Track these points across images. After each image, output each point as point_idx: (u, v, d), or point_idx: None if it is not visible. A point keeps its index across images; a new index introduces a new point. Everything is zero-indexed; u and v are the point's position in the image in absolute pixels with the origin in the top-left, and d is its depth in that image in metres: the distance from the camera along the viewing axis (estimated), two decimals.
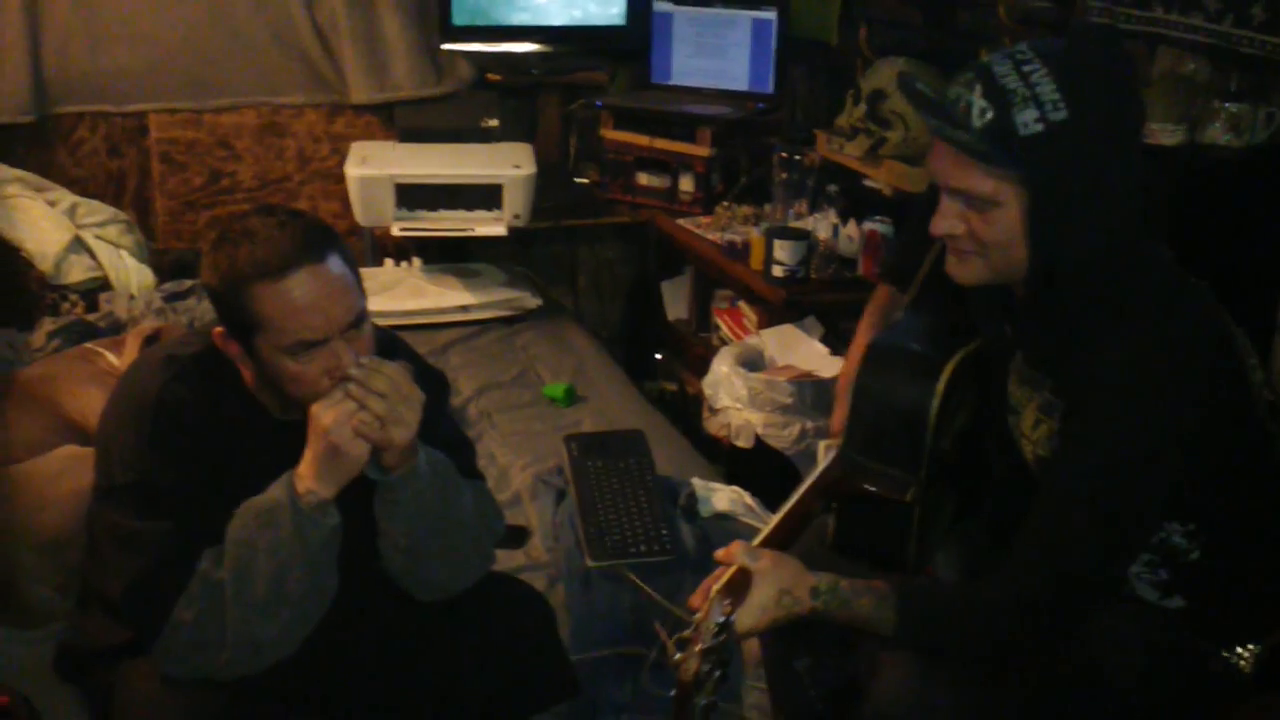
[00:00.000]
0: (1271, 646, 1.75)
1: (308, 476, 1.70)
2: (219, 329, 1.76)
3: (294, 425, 1.73)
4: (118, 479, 1.75)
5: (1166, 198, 1.68)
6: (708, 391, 3.26)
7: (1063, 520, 1.61)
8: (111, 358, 2.79)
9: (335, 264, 1.72)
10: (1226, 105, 2.55)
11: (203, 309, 3.40)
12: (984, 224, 1.62)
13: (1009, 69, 1.57)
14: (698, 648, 1.52)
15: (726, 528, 2.62)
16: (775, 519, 1.81)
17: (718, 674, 1.52)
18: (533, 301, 3.84)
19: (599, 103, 4.17)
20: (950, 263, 1.71)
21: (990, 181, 1.59)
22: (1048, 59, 1.56)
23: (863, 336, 2.10)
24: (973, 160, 1.59)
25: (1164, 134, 2.58)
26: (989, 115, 1.56)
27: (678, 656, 1.53)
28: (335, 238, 1.76)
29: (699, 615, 1.57)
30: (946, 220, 1.66)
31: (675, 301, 4.22)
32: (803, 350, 3.31)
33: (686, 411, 3.81)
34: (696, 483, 2.76)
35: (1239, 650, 1.74)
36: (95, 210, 3.62)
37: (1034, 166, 1.56)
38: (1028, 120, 1.55)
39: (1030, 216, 1.59)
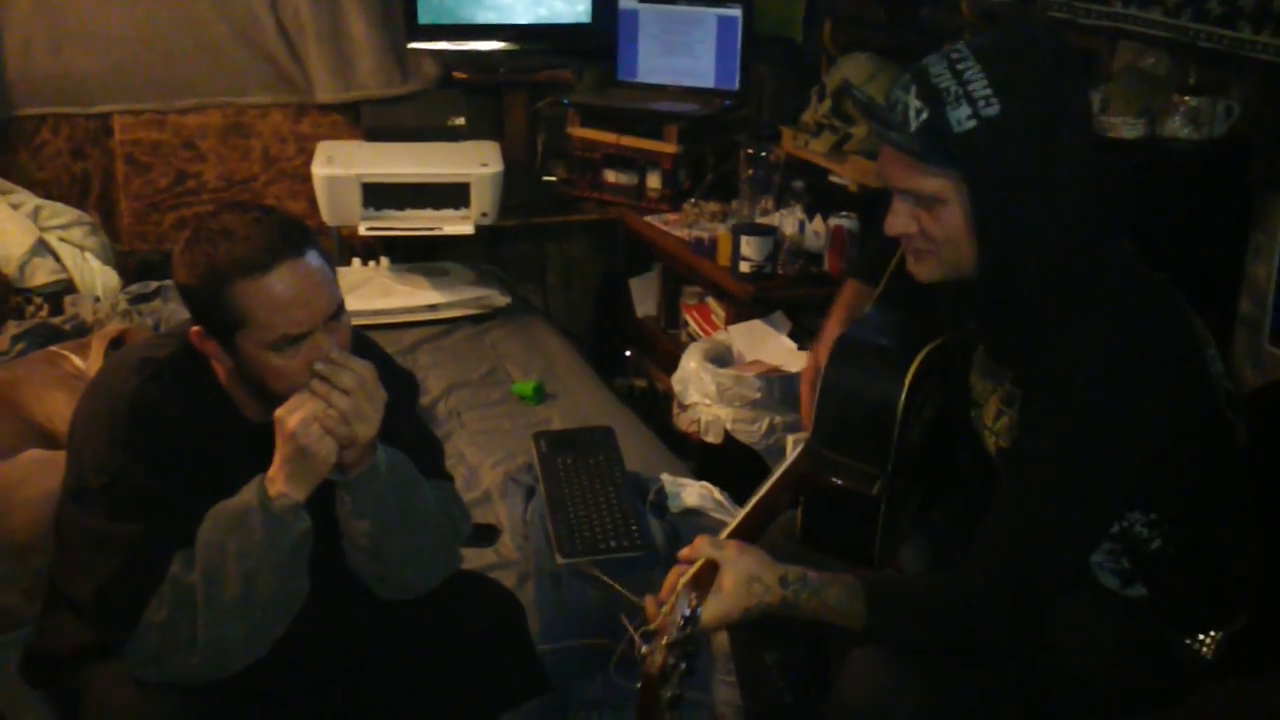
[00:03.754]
0: (1233, 633, 1.78)
1: (279, 480, 1.70)
2: (196, 328, 1.75)
3: (267, 427, 1.72)
4: (90, 481, 1.73)
5: (1125, 190, 1.69)
6: (677, 388, 3.27)
7: (1024, 510, 1.63)
8: (77, 361, 2.77)
9: (313, 257, 1.72)
10: (1186, 98, 2.58)
11: (169, 311, 3.38)
12: (933, 222, 1.64)
13: (943, 68, 1.59)
14: (664, 641, 1.52)
15: (696, 523, 2.63)
16: (742, 512, 1.81)
17: (683, 667, 1.52)
18: (501, 299, 3.84)
19: (566, 100, 4.18)
20: (909, 261, 1.73)
21: (933, 180, 1.61)
22: (981, 55, 1.58)
23: (830, 331, 2.12)
24: (914, 161, 1.61)
25: (1124, 127, 2.61)
26: (924, 116, 1.58)
27: (644, 650, 1.53)
28: (310, 232, 1.76)
29: (665, 608, 1.57)
30: (899, 220, 1.68)
31: (644, 298, 4.23)
32: (770, 345, 3.32)
33: (656, 408, 3.82)
34: (666, 478, 2.76)
35: (1201, 637, 1.76)
36: (59, 212, 3.60)
37: (971, 163, 1.58)
38: (960, 118, 1.56)
39: (974, 212, 1.60)
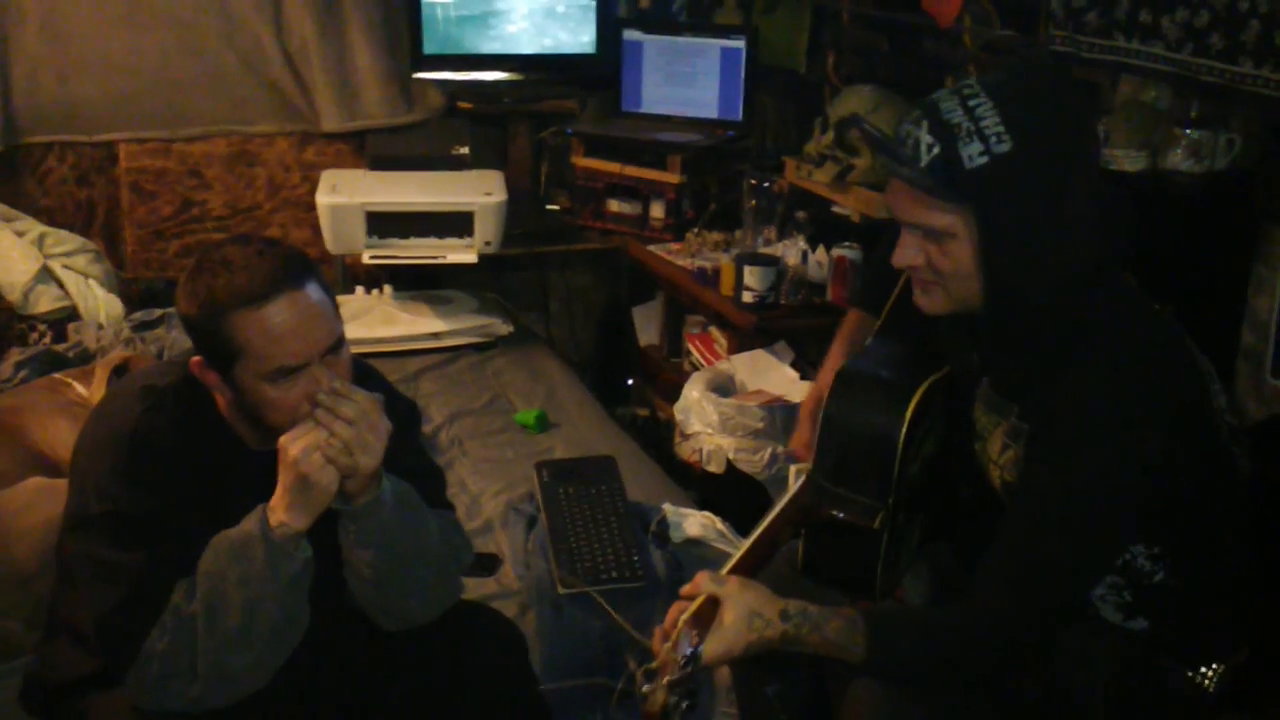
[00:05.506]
0: (1235, 666, 1.77)
1: (280, 509, 1.70)
2: (196, 358, 1.76)
3: (270, 456, 1.72)
4: (93, 509, 1.74)
5: (1129, 224, 1.70)
6: (679, 417, 3.28)
7: (1029, 546, 1.62)
8: (80, 388, 2.78)
9: (313, 290, 1.73)
10: (1187, 132, 2.58)
11: (172, 338, 3.39)
12: (941, 255, 1.64)
13: (955, 104, 1.60)
14: (665, 679, 1.52)
15: (698, 553, 2.63)
16: (744, 546, 1.81)
17: (685, 705, 1.52)
18: (504, 328, 3.85)
19: (570, 130, 4.20)
20: (916, 293, 1.74)
21: (942, 215, 1.61)
22: (993, 92, 1.59)
23: (833, 361, 2.12)
24: (924, 195, 1.61)
25: (1126, 160, 2.61)
26: (935, 151, 1.59)
27: (645, 688, 1.53)
28: (312, 265, 1.77)
29: (666, 646, 1.57)
30: (907, 252, 1.68)
31: (646, 327, 4.23)
32: (773, 375, 3.33)
33: (658, 437, 3.82)
34: (668, 508, 2.76)
35: (1204, 670, 1.76)
36: (64, 240, 3.61)
37: (981, 199, 1.58)
38: (972, 154, 1.57)
39: (983, 247, 1.61)
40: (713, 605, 1.61)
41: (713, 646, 1.59)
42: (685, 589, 1.66)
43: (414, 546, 1.82)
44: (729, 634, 1.60)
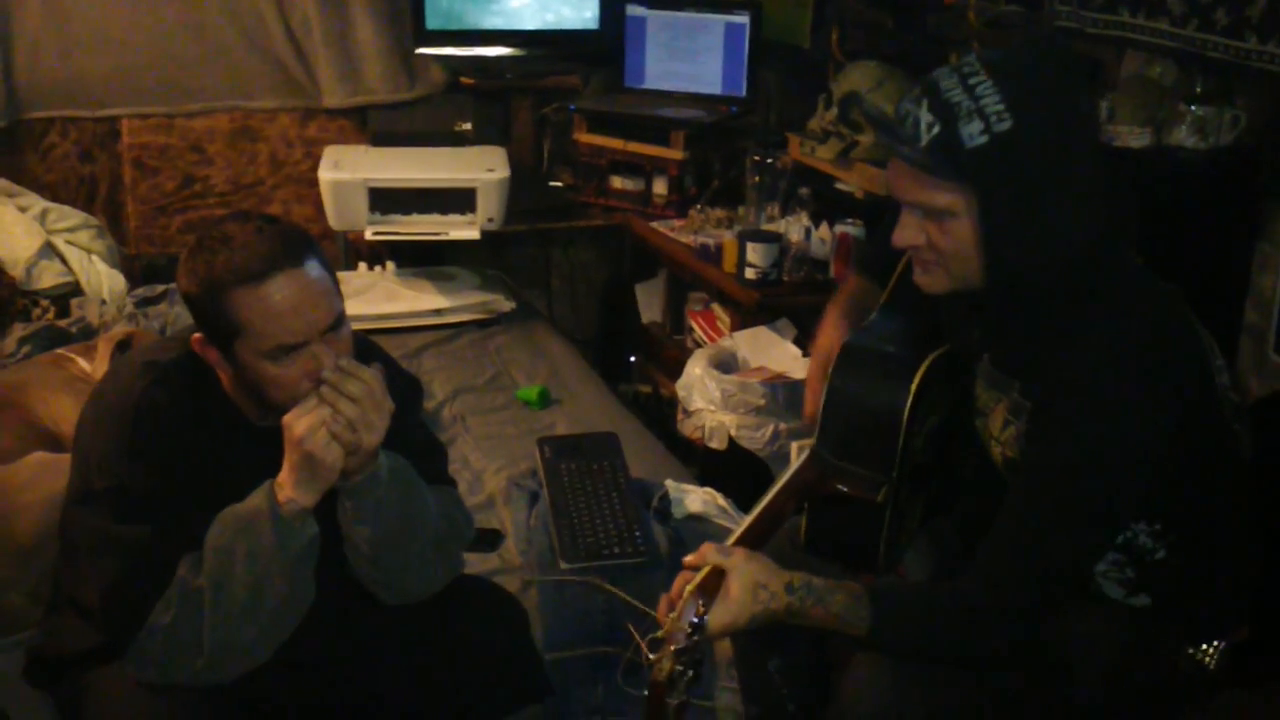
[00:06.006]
0: (1236, 643, 1.78)
1: (288, 485, 1.70)
2: (197, 335, 1.76)
3: (273, 432, 1.73)
4: (96, 484, 1.74)
5: (1131, 202, 1.69)
6: (681, 394, 3.28)
7: (1031, 522, 1.63)
8: (83, 364, 2.78)
9: (313, 268, 1.72)
10: (1192, 108, 2.58)
11: (175, 314, 3.39)
12: (942, 234, 1.64)
13: (955, 83, 1.59)
14: (671, 648, 1.53)
15: (699, 529, 2.63)
16: (748, 520, 1.81)
17: (690, 674, 1.53)
18: (506, 305, 3.85)
19: (572, 106, 4.19)
20: (917, 273, 1.73)
21: (943, 194, 1.61)
22: (993, 70, 1.58)
23: (829, 324, 2.11)
24: (925, 174, 1.61)
25: (1130, 136, 2.61)
26: (935, 130, 1.58)
27: (651, 657, 1.54)
28: (311, 242, 1.77)
29: (672, 615, 1.57)
30: (907, 232, 1.68)
31: (649, 304, 4.23)
32: (775, 352, 3.33)
33: (661, 414, 3.83)
34: (670, 484, 2.77)
35: (1205, 647, 1.76)
36: (66, 215, 3.61)
37: (982, 178, 1.58)
38: (973, 133, 1.56)
39: (983, 226, 1.61)
40: (718, 576, 1.61)
41: (718, 617, 1.59)
42: (690, 559, 1.66)
43: (411, 522, 1.83)
44: (734, 605, 1.60)
